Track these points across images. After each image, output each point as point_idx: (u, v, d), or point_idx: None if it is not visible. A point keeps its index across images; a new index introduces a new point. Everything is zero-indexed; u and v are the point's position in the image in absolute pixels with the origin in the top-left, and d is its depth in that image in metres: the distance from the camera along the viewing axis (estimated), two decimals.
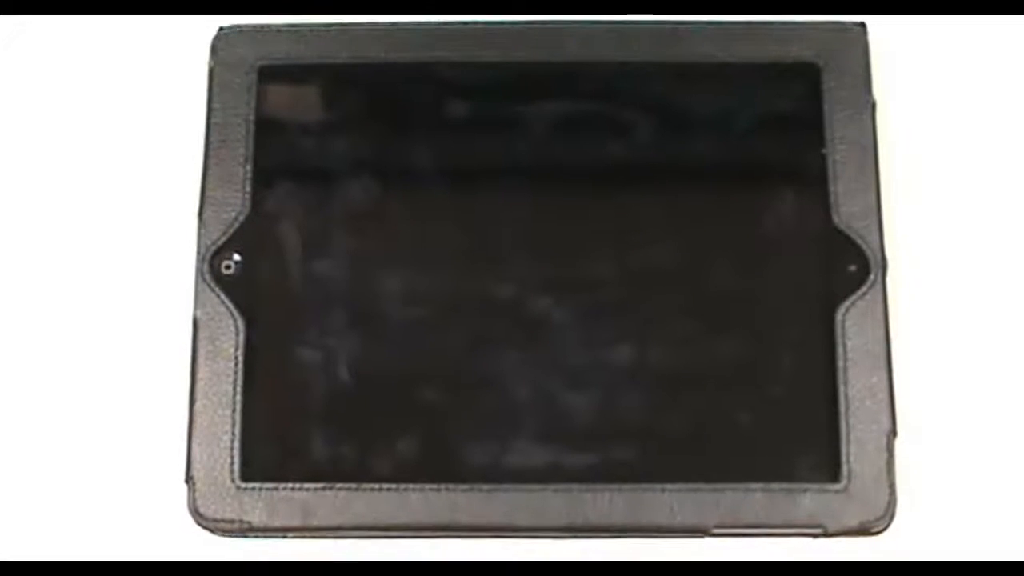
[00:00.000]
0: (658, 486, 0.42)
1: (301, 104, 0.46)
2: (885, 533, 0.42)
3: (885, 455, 0.42)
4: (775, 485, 0.42)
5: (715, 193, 0.45)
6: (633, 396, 0.43)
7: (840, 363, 0.43)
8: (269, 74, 0.46)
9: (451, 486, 0.42)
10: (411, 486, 0.42)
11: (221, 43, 0.46)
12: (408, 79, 0.46)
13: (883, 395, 0.43)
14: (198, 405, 0.43)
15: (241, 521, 0.42)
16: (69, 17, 0.48)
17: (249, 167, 0.45)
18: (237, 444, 0.42)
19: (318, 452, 0.43)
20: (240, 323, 0.43)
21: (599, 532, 0.42)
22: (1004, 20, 0.47)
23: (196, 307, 0.44)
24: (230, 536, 0.42)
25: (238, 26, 0.46)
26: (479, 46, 0.46)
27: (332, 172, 0.45)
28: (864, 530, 0.42)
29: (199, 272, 0.44)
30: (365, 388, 0.43)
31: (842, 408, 0.42)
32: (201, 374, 0.43)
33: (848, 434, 0.42)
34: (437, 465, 0.42)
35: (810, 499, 0.42)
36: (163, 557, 0.43)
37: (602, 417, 0.43)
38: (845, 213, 0.44)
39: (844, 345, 0.43)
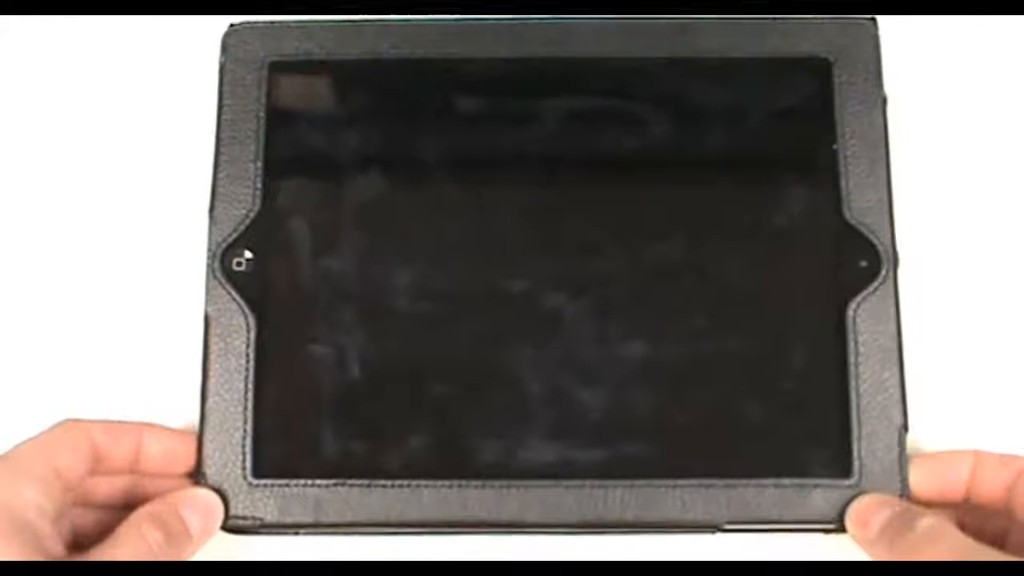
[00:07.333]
0: (670, 482, 0.42)
1: (312, 100, 0.46)
2: None
3: (897, 450, 0.42)
4: (787, 481, 0.42)
5: (726, 189, 0.45)
6: (644, 392, 0.43)
7: (851, 359, 0.43)
8: (280, 70, 0.46)
9: (463, 482, 0.42)
10: (423, 482, 0.42)
11: (232, 39, 0.46)
12: (418, 75, 0.46)
13: (895, 390, 0.43)
14: (210, 402, 0.43)
15: (253, 518, 0.42)
16: (79, 17, 0.48)
17: (260, 163, 0.45)
18: (249, 441, 0.42)
19: (330, 448, 0.43)
20: (251, 320, 0.43)
21: (611, 528, 0.42)
22: (1015, 18, 0.47)
23: (207, 304, 0.44)
24: (242, 533, 0.42)
25: (249, 22, 0.46)
26: (489, 42, 0.46)
27: (343, 168, 0.45)
28: None
29: (210, 269, 0.44)
30: (376, 384, 0.43)
31: (853, 404, 0.42)
32: (213, 371, 0.43)
33: (860, 429, 0.42)
34: (449, 461, 0.42)
35: (822, 495, 0.42)
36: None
37: (614, 413, 0.43)
38: (856, 208, 0.44)
39: (856, 341, 0.43)
